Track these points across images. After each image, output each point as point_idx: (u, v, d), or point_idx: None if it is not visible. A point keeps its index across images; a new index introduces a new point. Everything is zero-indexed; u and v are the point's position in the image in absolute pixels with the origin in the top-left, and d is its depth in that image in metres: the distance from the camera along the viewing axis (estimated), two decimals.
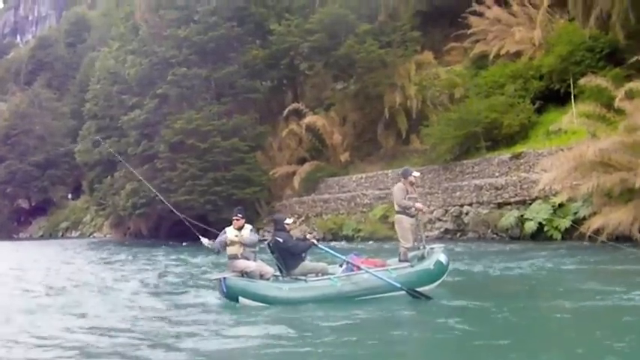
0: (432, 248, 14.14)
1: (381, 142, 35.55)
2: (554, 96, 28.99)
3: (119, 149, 42.11)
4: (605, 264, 16.30)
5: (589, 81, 23.19)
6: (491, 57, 32.69)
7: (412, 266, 13.54)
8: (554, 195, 23.32)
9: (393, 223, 29.52)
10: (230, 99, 37.88)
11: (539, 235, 23.69)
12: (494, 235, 25.96)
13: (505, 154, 27.57)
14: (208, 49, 37.38)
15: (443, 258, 13.78)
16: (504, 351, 8.55)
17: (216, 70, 37.43)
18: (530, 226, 24.00)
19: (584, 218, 21.35)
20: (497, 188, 26.58)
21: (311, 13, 35.35)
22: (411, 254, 13.90)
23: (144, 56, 39.42)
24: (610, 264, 16.25)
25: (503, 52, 32.40)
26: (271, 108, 40.12)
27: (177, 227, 40.98)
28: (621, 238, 19.51)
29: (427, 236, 28.25)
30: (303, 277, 13.18)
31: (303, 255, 13.41)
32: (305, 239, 13.52)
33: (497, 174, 27.22)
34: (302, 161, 37.49)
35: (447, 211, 28.79)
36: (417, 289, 12.70)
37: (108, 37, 52.61)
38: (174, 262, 25.23)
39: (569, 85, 27.33)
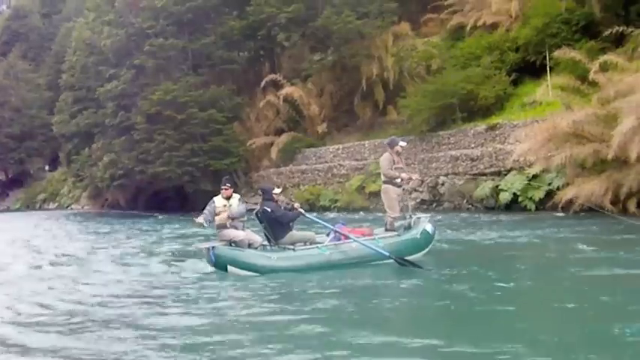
0: (418, 218, 14.37)
1: (358, 113, 35.67)
2: (530, 68, 29.13)
3: (96, 120, 42.05)
4: (587, 233, 16.54)
5: (563, 53, 23.38)
6: (468, 28, 32.73)
7: (399, 235, 13.70)
8: (529, 166, 23.55)
9: (369, 194, 30.04)
10: (207, 70, 37.80)
11: (514, 205, 23.94)
12: (470, 206, 26.23)
13: (481, 126, 27.77)
14: (185, 19, 37.20)
15: (429, 227, 13.96)
16: (494, 317, 8.74)
17: (193, 41, 37.28)
18: (505, 197, 24.26)
19: (558, 189, 21.63)
20: (472, 159, 26.82)
21: None
22: (397, 223, 14.05)
23: (120, 27, 39.14)
24: (591, 233, 16.53)
25: (480, 23, 32.42)
26: (248, 79, 40.05)
27: (155, 198, 41.22)
28: (594, 209, 19.79)
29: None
30: (291, 246, 13.32)
31: (291, 224, 13.51)
32: (293, 209, 13.59)
33: (472, 145, 27.43)
34: (279, 132, 37.55)
35: (423, 181, 28.98)
36: (405, 258, 12.82)
37: (83, 7, 52.06)
38: (167, 232, 25.16)
39: (545, 58, 27.46)
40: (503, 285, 10.47)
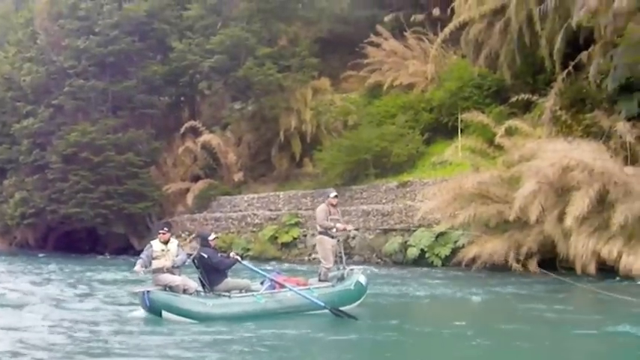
0: (351, 269, 14.69)
1: (275, 163, 36.05)
2: (442, 128, 30.20)
3: (10, 157, 41.34)
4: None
5: (473, 117, 24.37)
6: (385, 87, 33.82)
7: (333, 286, 13.90)
8: (437, 224, 24.32)
9: (281, 244, 30.41)
10: (127, 113, 37.66)
11: (421, 260, 24.68)
12: (379, 260, 26.83)
13: (392, 182, 28.56)
14: (107, 61, 37.14)
15: (362, 279, 14.26)
16: None
17: (114, 83, 37.18)
18: (413, 252, 25.02)
19: (463, 246, 22.42)
20: (383, 214, 27.50)
21: (212, 34, 35.58)
22: (330, 274, 14.28)
23: (41, 64, 38.81)
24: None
25: (396, 83, 33.57)
26: (168, 124, 40.08)
27: (66, 239, 40.65)
28: (496, 267, 20.65)
29: (314, 258, 29.20)
30: (226, 294, 13.33)
31: (227, 272, 13.59)
32: (229, 256, 13.67)
33: (384, 201, 28.15)
34: (196, 178, 37.61)
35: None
36: (339, 308, 13.01)
37: (4, 41, 51.42)
38: (86, 275, 24.53)
39: (457, 119, 28.45)
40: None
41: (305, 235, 30.91)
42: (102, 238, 38.77)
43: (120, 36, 36.52)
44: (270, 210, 32.94)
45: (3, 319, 13.21)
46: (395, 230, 26.93)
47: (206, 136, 36.56)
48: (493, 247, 20.51)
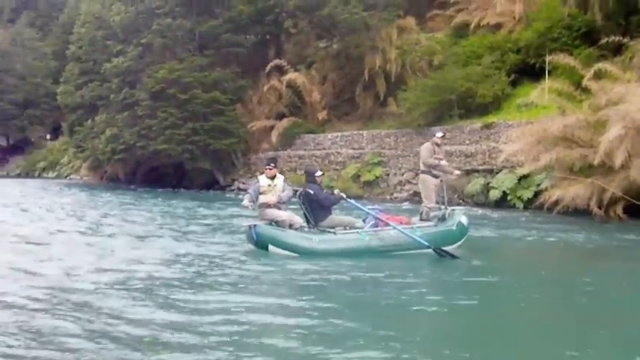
0: (453, 209, 14.66)
1: (359, 102, 36.17)
2: (529, 70, 29.64)
3: (101, 94, 42.50)
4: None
5: (559, 59, 23.92)
6: (472, 27, 33.38)
7: (435, 226, 13.91)
8: (520, 166, 24.17)
9: (364, 183, 30.68)
10: (213, 52, 38.21)
11: (503, 202, 24.62)
12: (461, 201, 26.83)
13: (477, 124, 28.37)
14: (194, 1, 37.70)
15: (464, 220, 14.21)
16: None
17: (200, 22, 37.73)
18: (495, 194, 24.96)
19: (547, 189, 22.27)
20: (466, 155, 27.46)
21: None
22: (432, 214, 14.33)
23: (130, 4, 39.57)
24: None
25: (484, 22, 33.07)
26: (254, 62, 40.49)
27: (153, 173, 41.87)
28: (578, 211, 20.50)
29: (396, 197, 29.47)
30: (331, 230, 13.51)
31: (331, 208, 13.81)
32: (333, 194, 13.89)
33: (467, 142, 28.05)
34: (280, 116, 38.09)
35: (416, 174, 29.45)
36: (443, 249, 13.03)
37: None
38: (191, 208, 25.64)
39: (544, 61, 27.96)
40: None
41: (387, 175, 31.16)
42: (188, 173, 39.79)
43: None
44: (354, 149, 33.21)
45: (127, 252, 13.84)
46: (477, 171, 26.88)
47: (291, 75, 36.87)
48: (576, 191, 20.27)
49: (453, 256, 12.81)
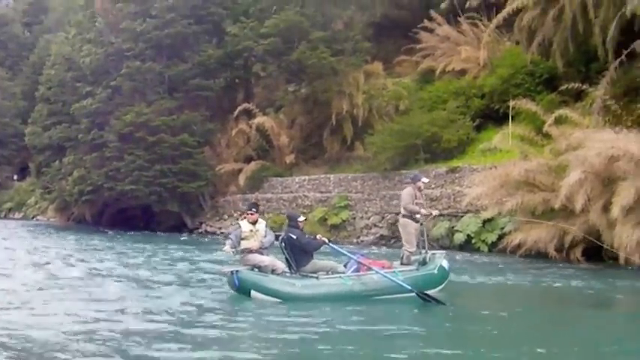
0: (433, 253, 14.67)
1: (327, 146, 36.46)
2: (493, 115, 30.26)
3: (69, 135, 42.43)
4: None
5: (522, 104, 24.46)
6: (437, 72, 33.95)
7: (417, 270, 13.87)
8: (484, 210, 24.51)
9: (330, 226, 30.85)
10: (182, 95, 38.36)
11: (467, 246, 24.94)
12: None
13: (442, 168, 28.74)
14: (164, 44, 37.94)
15: (445, 263, 14.23)
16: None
17: (170, 66, 37.97)
18: (459, 238, 25.32)
19: (510, 233, 22.64)
20: (431, 199, 27.66)
21: (267, 18, 36.06)
22: (413, 258, 14.34)
23: (100, 46, 39.76)
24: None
25: (449, 68, 33.68)
26: (222, 106, 40.67)
27: (121, 215, 41.72)
28: (541, 254, 20.87)
29: (362, 240, 29.68)
30: (314, 275, 13.36)
31: (312, 253, 13.67)
32: (315, 238, 13.72)
33: (433, 186, 28.26)
34: (249, 159, 38.23)
35: (383, 217, 29.99)
36: (426, 292, 12.96)
37: (65, 20, 52.55)
38: (164, 252, 25.11)
39: (508, 106, 28.47)
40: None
41: (354, 218, 31.38)
42: (156, 215, 39.71)
43: (176, 19, 37.36)
44: (321, 192, 33.41)
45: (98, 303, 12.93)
46: (443, 215, 27.11)
47: (259, 118, 37.16)
48: (538, 235, 20.68)
49: (438, 302, 12.79)
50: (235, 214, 35.65)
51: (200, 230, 37.99)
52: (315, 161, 37.21)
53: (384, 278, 13.23)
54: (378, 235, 29.67)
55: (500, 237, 23.60)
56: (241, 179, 36.80)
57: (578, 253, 20.34)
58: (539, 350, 9.28)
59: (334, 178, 33.23)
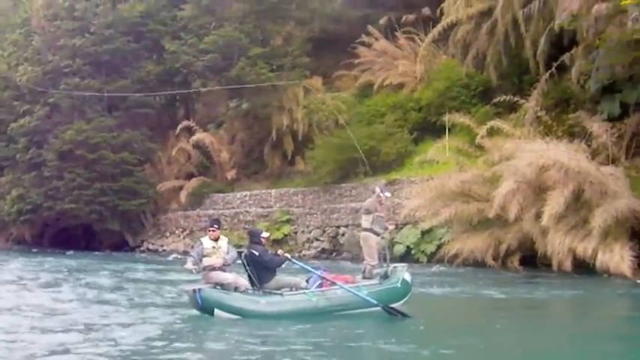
0: (394, 267, 14.52)
1: (267, 161, 36.57)
2: (431, 128, 30.66)
3: (7, 154, 41.83)
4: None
5: (456, 117, 24.96)
6: (375, 87, 34.36)
7: (380, 284, 13.76)
8: (423, 221, 24.89)
9: (272, 241, 30.92)
10: (122, 112, 38.09)
11: (408, 257, 25.18)
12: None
13: (381, 180, 28.94)
14: (102, 60, 37.68)
15: (407, 276, 14.08)
16: None
17: (109, 82, 37.66)
18: (400, 249, 25.63)
19: (447, 243, 23.04)
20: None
21: (206, 34, 36.07)
22: (375, 271, 14.23)
23: (37, 64, 39.35)
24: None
25: (387, 82, 34.09)
26: (163, 123, 40.48)
27: (62, 235, 41.19)
28: (478, 263, 21.28)
29: (304, 255, 29.82)
30: (278, 291, 13.18)
31: (276, 269, 13.46)
32: (277, 254, 13.63)
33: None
34: (189, 176, 38.14)
35: (324, 231, 30.22)
36: (391, 306, 12.95)
37: (1, 39, 51.75)
38: (111, 272, 23.87)
39: (444, 119, 28.95)
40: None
41: (296, 232, 31.55)
42: (97, 234, 39.33)
43: (115, 35, 37.14)
44: (262, 207, 33.54)
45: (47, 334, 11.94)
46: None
47: (199, 135, 37.13)
48: (474, 244, 21.13)
49: (404, 315, 12.78)
50: (177, 231, 35.58)
51: (142, 248, 37.70)
52: (257, 176, 37.29)
53: (349, 293, 13.18)
54: (319, 249, 29.89)
55: (439, 247, 23.97)
56: (182, 196, 36.68)
57: (515, 261, 20.79)
58: None
59: (275, 193, 33.40)
